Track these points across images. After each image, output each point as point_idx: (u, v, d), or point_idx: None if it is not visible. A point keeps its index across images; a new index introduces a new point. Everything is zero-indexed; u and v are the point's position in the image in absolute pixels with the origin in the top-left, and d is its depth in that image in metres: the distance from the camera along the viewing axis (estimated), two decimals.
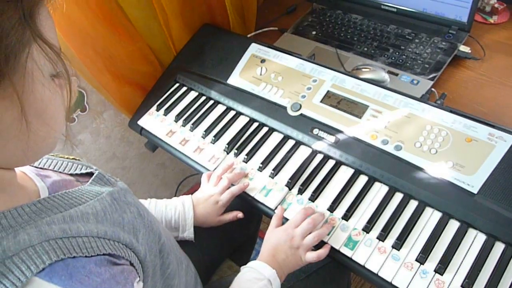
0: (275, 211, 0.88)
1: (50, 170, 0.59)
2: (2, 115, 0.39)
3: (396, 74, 1.07)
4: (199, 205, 0.92)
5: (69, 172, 0.61)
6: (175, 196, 1.74)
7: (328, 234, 0.81)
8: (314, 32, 1.26)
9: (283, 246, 0.79)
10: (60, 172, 0.60)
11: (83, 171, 0.61)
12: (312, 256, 0.78)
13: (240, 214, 0.94)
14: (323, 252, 0.79)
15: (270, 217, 0.91)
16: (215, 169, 1.00)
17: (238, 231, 1.12)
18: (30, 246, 0.40)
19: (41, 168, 0.59)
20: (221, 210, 0.93)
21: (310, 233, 0.80)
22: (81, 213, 0.48)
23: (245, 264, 1.24)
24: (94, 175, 0.59)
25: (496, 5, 1.16)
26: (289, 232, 0.80)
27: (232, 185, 0.94)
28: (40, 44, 0.41)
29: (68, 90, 0.47)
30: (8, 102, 0.39)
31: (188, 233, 0.90)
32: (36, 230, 0.42)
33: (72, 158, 0.64)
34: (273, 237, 0.81)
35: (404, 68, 1.08)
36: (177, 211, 0.89)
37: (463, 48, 1.07)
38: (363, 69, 1.05)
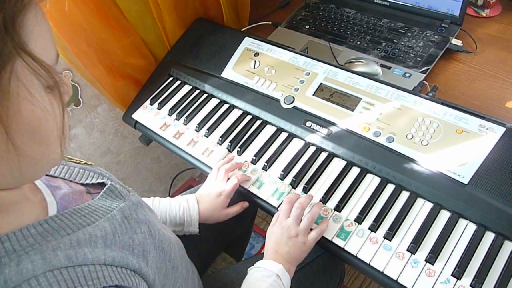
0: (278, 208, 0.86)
1: (61, 178, 0.56)
2: None
3: (389, 68, 1.07)
4: (202, 201, 0.90)
5: (80, 182, 0.58)
6: (169, 190, 1.75)
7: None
8: (307, 26, 1.26)
9: (283, 239, 0.79)
10: (71, 181, 0.57)
11: (94, 181, 0.59)
12: (313, 235, 0.79)
13: (246, 204, 0.94)
14: (324, 225, 0.80)
15: (264, 209, 0.92)
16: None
17: (233, 225, 1.12)
18: (33, 277, 0.38)
19: (52, 176, 0.56)
20: (226, 202, 0.91)
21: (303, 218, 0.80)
22: (89, 236, 0.45)
23: (240, 257, 1.25)
24: (106, 187, 0.57)
25: None
26: (283, 224, 0.80)
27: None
28: (25, 59, 0.35)
29: (60, 107, 0.41)
30: None
31: (193, 228, 0.89)
32: (41, 257, 0.39)
33: (84, 163, 0.61)
34: (271, 235, 0.81)
35: (396, 61, 1.09)
36: (181, 208, 0.88)
37: (455, 41, 1.08)
38: (356, 63, 1.05)
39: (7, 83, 0.34)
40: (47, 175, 0.55)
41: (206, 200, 0.90)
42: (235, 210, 0.93)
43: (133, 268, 0.48)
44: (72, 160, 0.61)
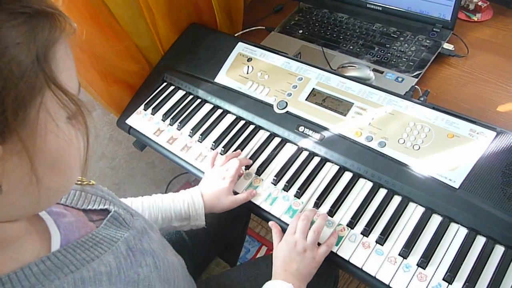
0: (271, 226, 0.84)
1: (62, 205, 0.54)
2: (9, 174, 0.35)
3: (381, 72, 1.08)
4: (206, 188, 0.89)
5: (82, 208, 0.56)
6: None
7: None
8: (300, 31, 1.27)
9: (291, 256, 0.76)
10: (72, 207, 0.55)
11: (97, 206, 0.57)
12: (323, 249, 0.77)
13: (254, 192, 0.90)
14: (332, 239, 0.79)
15: (258, 214, 0.92)
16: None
17: (227, 230, 1.13)
18: None
19: None
20: (231, 187, 0.89)
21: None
22: (94, 273, 0.44)
23: (235, 262, 1.25)
24: (109, 215, 0.55)
25: (479, 3, 1.18)
26: (289, 240, 0.78)
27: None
28: (54, 91, 0.35)
29: (85, 139, 0.41)
30: (17, 159, 0.34)
31: (200, 221, 0.87)
32: None
33: (86, 183, 0.59)
34: (279, 253, 0.79)
35: (389, 66, 1.09)
36: (186, 202, 0.86)
37: (447, 45, 1.09)
38: (349, 67, 1.06)
39: (36, 115, 0.34)
40: None
41: (210, 187, 0.89)
42: (242, 197, 0.89)
43: None
44: None
